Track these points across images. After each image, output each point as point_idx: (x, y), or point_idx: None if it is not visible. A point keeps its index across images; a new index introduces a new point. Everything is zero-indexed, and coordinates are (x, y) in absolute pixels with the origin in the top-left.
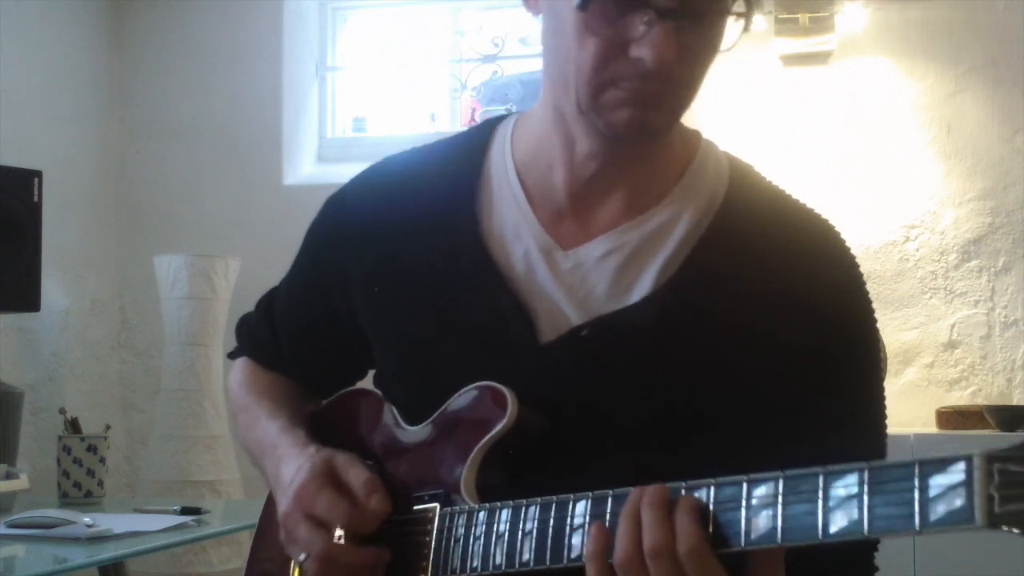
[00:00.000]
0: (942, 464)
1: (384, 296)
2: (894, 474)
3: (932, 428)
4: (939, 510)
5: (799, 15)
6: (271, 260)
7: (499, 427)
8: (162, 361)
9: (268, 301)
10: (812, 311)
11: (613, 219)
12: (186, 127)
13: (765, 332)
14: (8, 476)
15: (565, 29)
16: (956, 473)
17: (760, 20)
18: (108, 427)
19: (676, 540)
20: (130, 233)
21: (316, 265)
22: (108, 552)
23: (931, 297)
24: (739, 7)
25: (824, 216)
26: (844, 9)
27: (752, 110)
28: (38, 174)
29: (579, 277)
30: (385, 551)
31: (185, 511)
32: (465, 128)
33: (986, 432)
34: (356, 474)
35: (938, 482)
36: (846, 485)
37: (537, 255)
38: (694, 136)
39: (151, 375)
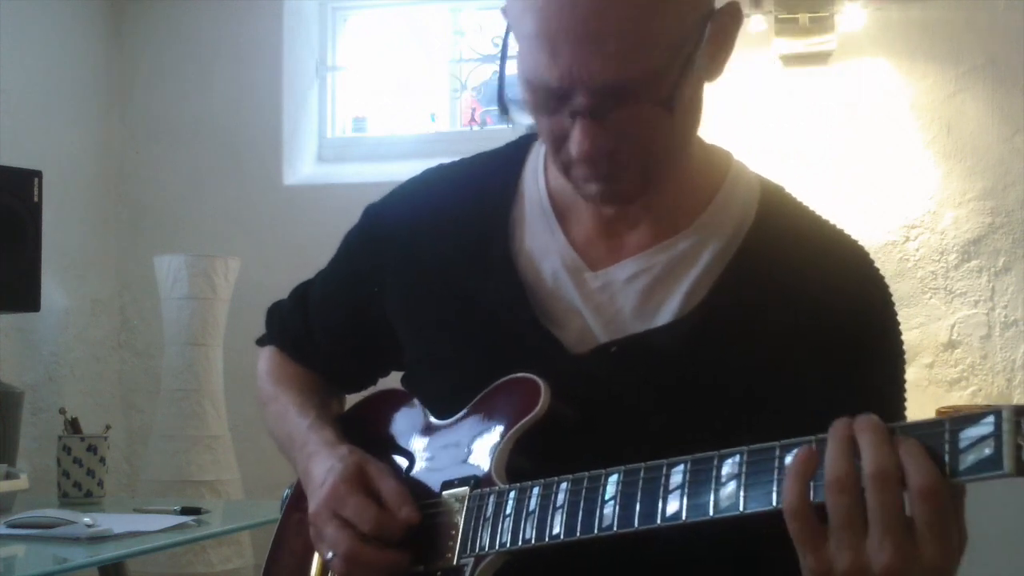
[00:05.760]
0: (972, 419)
1: (416, 304)
2: (921, 431)
3: None
4: (969, 459)
5: (799, 15)
6: (271, 260)
7: (533, 413)
8: (162, 361)
9: (303, 293)
10: (840, 334)
11: (641, 243)
12: (186, 127)
13: (792, 355)
14: (8, 476)
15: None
16: (985, 426)
17: (760, 20)
18: (108, 427)
19: (906, 473)
20: (130, 233)
21: (352, 268)
22: (108, 552)
23: (931, 297)
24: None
25: (856, 240)
26: (844, 9)
27: (752, 110)
28: (38, 174)
29: (607, 297)
30: (407, 554)
31: (185, 511)
32: (464, 126)
33: None
34: (388, 484)
35: (968, 435)
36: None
37: (565, 274)
38: (724, 159)
39: (151, 375)
